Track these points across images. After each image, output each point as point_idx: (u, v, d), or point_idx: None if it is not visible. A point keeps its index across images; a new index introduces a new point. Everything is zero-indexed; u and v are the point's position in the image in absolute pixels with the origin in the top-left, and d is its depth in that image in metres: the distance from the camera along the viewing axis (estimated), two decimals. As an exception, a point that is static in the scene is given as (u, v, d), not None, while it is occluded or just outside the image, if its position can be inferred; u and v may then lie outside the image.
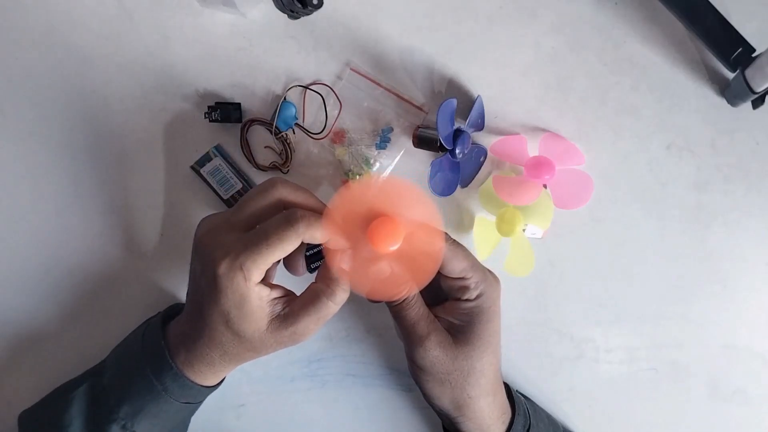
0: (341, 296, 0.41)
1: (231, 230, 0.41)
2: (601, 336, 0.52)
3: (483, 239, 0.50)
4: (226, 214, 0.42)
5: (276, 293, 0.41)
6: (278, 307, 0.41)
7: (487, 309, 0.44)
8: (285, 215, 0.39)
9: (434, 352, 0.43)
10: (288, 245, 0.39)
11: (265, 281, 0.41)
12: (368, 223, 0.39)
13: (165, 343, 0.44)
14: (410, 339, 0.44)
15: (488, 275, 0.45)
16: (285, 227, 0.39)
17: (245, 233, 0.40)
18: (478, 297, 0.44)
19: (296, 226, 0.39)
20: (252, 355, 0.43)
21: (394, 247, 0.39)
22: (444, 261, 0.42)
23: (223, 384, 0.50)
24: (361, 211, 0.40)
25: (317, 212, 0.40)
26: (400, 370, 0.54)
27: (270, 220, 0.40)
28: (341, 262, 0.41)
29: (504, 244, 0.49)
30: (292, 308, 0.41)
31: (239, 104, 0.51)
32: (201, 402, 0.48)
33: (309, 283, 0.42)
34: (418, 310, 0.44)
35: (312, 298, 0.41)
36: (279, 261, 0.42)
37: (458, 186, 0.50)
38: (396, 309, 0.44)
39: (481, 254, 0.49)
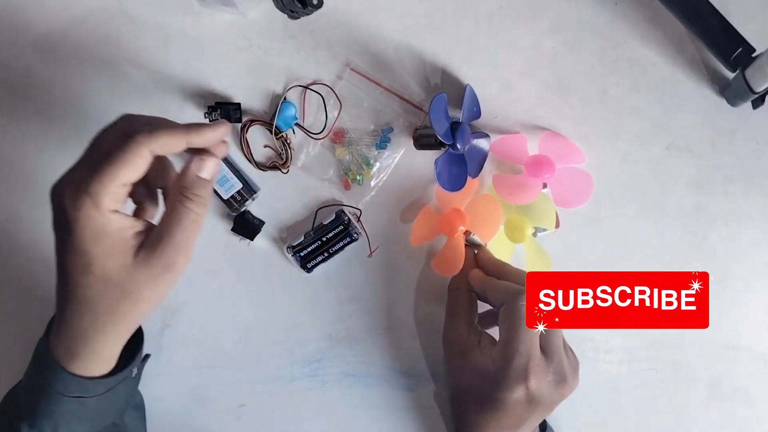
0: (199, 201, 0.38)
1: (74, 168, 0.37)
2: (601, 336, 0.52)
3: (498, 250, 0.50)
4: (74, 168, 0.38)
5: (139, 225, 0.38)
6: (142, 237, 0.37)
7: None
8: (121, 127, 0.37)
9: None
10: (134, 158, 0.36)
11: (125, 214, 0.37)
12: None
13: (45, 336, 0.41)
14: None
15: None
16: (124, 139, 0.36)
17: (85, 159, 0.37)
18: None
19: (136, 136, 0.36)
20: (127, 307, 0.38)
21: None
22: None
23: (222, 384, 0.50)
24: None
25: (154, 120, 0.38)
26: (400, 370, 0.54)
27: (108, 135, 0.37)
28: (197, 171, 0.39)
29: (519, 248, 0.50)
30: (153, 233, 0.37)
31: (239, 104, 0.51)
32: (109, 393, 0.42)
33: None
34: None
35: (170, 211, 0.38)
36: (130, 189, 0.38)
37: (468, 177, 0.49)
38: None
39: None
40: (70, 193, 0.35)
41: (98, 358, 0.40)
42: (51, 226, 0.37)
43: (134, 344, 0.43)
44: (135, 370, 0.45)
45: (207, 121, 0.51)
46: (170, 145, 0.37)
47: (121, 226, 0.36)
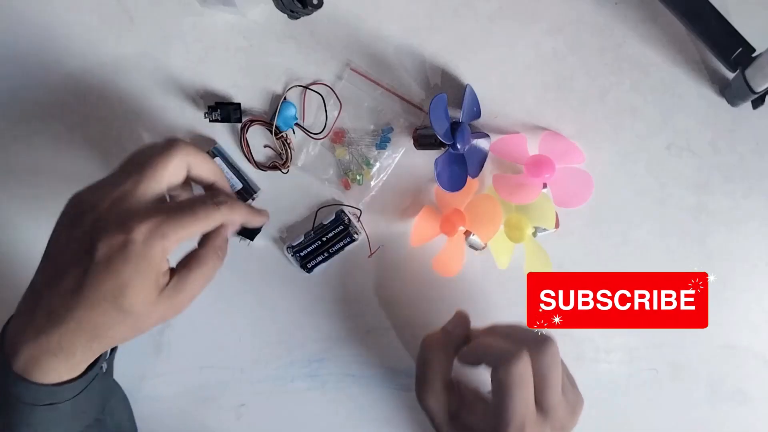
0: (223, 259, 0.43)
1: (144, 197, 0.39)
2: (601, 336, 0.52)
3: (498, 250, 0.50)
4: (117, 180, 0.39)
5: (166, 265, 0.40)
6: (166, 278, 0.40)
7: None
8: (211, 196, 0.41)
9: None
10: (210, 224, 0.40)
11: None
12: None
13: (2, 344, 0.39)
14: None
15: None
16: (213, 208, 0.40)
17: (161, 203, 0.39)
18: None
19: (222, 208, 0.40)
20: (128, 335, 0.40)
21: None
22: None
23: (222, 384, 0.50)
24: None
25: (227, 192, 0.44)
26: (400, 370, 0.54)
27: (196, 196, 0.41)
28: (229, 234, 0.44)
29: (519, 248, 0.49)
30: (180, 276, 0.40)
31: (239, 104, 0.51)
32: (84, 393, 0.41)
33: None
34: None
35: (200, 264, 0.41)
36: None
37: (468, 177, 0.49)
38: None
39: (502, 264, 0.50)
40: (148, 229, 0.37)
41: (72, 370, 0.40)
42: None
43: None
44: (105, 365, 0.44)
45: (207, 120, 0.51)
46: (237, 222, 0.43)
47: (163, 268, 0.39)
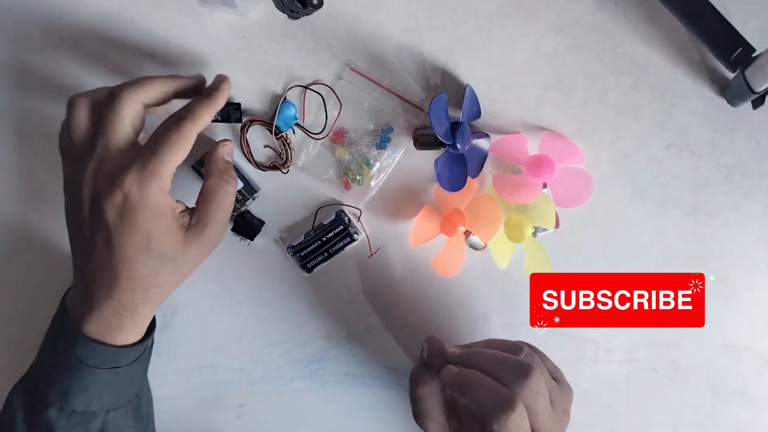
0: (233, 183, 0.45)
1: (118, 150, 0.40)
2: (601, 336, 0.52)
3: (498, 250, 0.50)
4: (87, 145, 0.41)
5: (181, 206, 0.42)
6: (187, 217, 0.42)
7: None
8: (172, 115, 0.42)
9: None
10: (187, 140, 0.41)
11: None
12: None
13: (66, 313, 0.43)
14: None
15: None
16: (177, 126, 0.40)
17: (137, 146, 0.41)
18: None
19: (184, 123, 0.41)
20: (176, 280, 0.43)
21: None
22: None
23: (222, 384, 0.50)
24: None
25: (187, 88, 0.44)
26: (400, 369, 0.54)
27: (160, 125, 0.41)
28: (227, 155, 0.46)
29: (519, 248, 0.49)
30: (199, 212, 0.43)
31: (239, 104, 0.51)
32: (136, 362, 0.44)
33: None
34: None
35: (212, 193, 0.43)
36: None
37: (468, 177, 0.49)
38: None
39: (502, 264, 0.50)
40: (136, 177, 0.39)
41: (138, 327, 0.43)
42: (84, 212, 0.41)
43: None
44: (152, 340, 0.47)
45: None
46: (207, 122, 0.42)
47: (174, 206, 0.41)
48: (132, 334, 0.43)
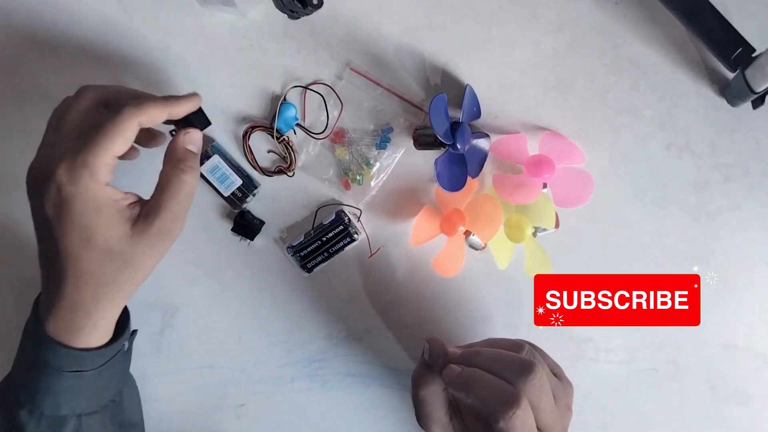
0: (190, 173, 0.41)
1: (55, 144, 0.39)
2: (601, 336, 0.52)
3: (498, 250, 0.50)
4: (43, 142, 0.40)
5: (131, 198, 0.40)
6: (137, 209, 0.40)
7: None
8: (97, 99, 0.40)
9: None
10: (125, 130, 0.38)
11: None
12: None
13: (34, 314, 0.42)
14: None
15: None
16: (115, 114, 0.38)
17: (72, 138, 0.39)
18: None
19: (124, 110, 0.38)
20: (128, 275, 0.40)
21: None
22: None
23: (222, 384, 0.49)
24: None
25: (131, 95, 0.42)
26: (400, 369, 0.54)
27: (95, 115, 0.40)
28: (187, 144, 0.42)
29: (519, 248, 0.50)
30: (150, 203, 0.40)
31: (200, 108, 0.44)
32: (106, 366, 0.42)
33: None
34: None
35: (165, 183, 0.40)
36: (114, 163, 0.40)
37: (468, 177, 0.49)
38: None
39: (502, 265, 0.50)
40: (66, 168, 0.37)
41: (97, 328, 0.41)
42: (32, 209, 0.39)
43: (121, 319, 0.44)
44: (126, 344, 0.45)
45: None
46: (155, 117, 0.40)
47: (117, 197, 0.39)
48: (92, 336, 0.41)
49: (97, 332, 0.41)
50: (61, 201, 0.37)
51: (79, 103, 0.40)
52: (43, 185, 0.38)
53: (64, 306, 0.40)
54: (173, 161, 0.41)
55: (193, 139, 0.43)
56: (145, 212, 0.40)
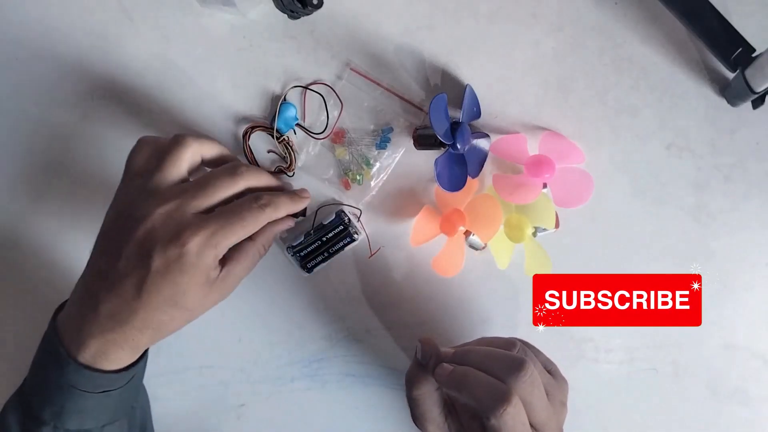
0: (265, 253, 0.46)
1: (188, 209, 0.41)
2: (601, 336, 0.52)
3: (498, 250, 0.50)
4: (172, 193, 0.42)
5: (219, 266, 0.43)
6: (216, 272, 0.42)
7: None
8: (255, 197, 0.43)
9: None
10: (258, 226, 0.43)
11: None
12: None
13: (57, 335, 0.42)
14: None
15: None
16: (258, 211, 0.42)
17: (207, 213, 0.42)
18: None
19: (266, 210, 0.43)
20: (182, 325, 0.43)
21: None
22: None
23: (222, 384, 0.49)
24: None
25: (275, 189, 0.46)
26: (400, 369, 0.54)
27: (241, 201, 0.43)
28: (280, 229, 0.47)
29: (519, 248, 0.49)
30: (228, 269, 0.43)
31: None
32: (128, 384, 0.44)
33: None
34: None
35: (247, 255, 0.44)
36: None
37: (468, 177, 0.49)
38: None
39: (502, 265, 0.50)
40: (201, 241, 0.40)
41: (135, 355, 0.43)
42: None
43: None
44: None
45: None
46: (281, 219, 0.46)
47: (215, 270, 0.42)
48: (125, 362, 0.43)
49: (133, 357, 0.43)
50: (175, 264, 0.39)
51: (236, 184, 0.43)
52: (168, 243, 0.39)
53: (113, 340, 0.41)
54: (262, 240, 0.45)
55: (285, 228, 0.48)
56: (222, 276, 0.43)
